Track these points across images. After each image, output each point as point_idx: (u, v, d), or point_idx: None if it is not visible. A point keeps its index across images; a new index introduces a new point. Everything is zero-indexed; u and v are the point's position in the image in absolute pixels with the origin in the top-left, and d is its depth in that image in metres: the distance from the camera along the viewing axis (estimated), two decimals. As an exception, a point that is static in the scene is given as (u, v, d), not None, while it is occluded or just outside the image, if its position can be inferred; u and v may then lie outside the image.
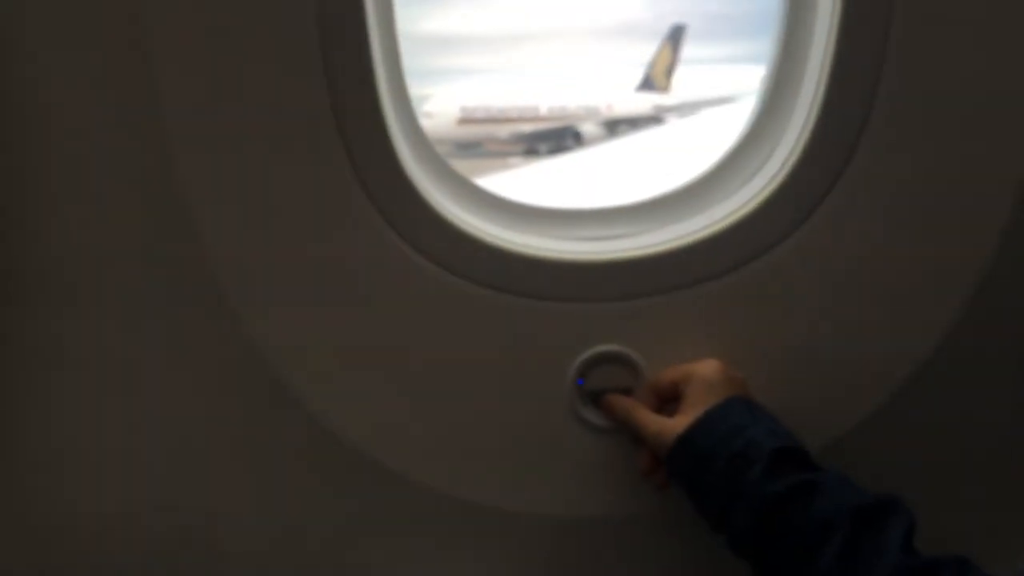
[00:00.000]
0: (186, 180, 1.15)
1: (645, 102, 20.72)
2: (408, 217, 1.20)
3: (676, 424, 1.16)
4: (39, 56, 1.12)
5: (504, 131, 18.98)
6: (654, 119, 18.67)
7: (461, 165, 1.36)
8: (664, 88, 21.48)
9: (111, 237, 1.19)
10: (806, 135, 1.22)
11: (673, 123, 17.02)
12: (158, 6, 1.09)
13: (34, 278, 1.21)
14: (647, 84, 21.98)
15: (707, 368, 1.20)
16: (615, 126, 18.98)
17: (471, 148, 17.49)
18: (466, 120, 18.87)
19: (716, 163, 1.36)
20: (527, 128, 19.35)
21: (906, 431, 1.30)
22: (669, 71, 21.51)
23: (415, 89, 1.35)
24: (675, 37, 21.66)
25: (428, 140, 1.32)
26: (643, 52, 20.77)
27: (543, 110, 19.83)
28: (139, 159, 1.15)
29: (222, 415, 1.27)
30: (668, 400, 1.23)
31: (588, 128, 18.87)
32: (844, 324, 1.28)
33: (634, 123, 18.83)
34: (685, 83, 21.09)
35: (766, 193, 1.25)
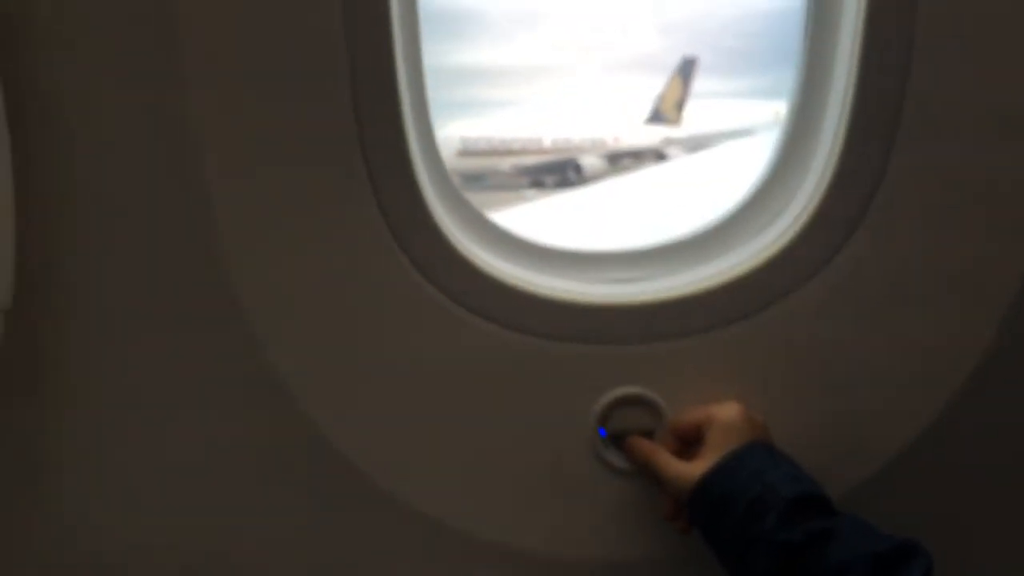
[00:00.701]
0: (221, 218, 1.23)
1: (654, 135, 20.95)
2: (432, 257, 1.29)
3: (695, 469, 1.23)
4: (80, 103, 1.21)
5: (506, 163, 19.13)
6: (658, 152, 18.86)
7: (471, 198, 1.44)
8: (674, 121, 21.73)
9: (146, 276, 1.27)
10: (827, 178, 1.29)
11: (681, 158, 17.26)
12: (196, 51, 1.18)
13: (69, 316, 1.28)
14: (656, 117, 22.23)
15: (728, 412, 1.27)
16: (618, 159, 19.17)
17: (477, 180, 17.65)
18: (467, 152, 19.03)
19: (737, 205, 1.44)
20: (529, 161, 19.52)
21: (930, 474, 1.36)
22: (679, 104, 21.79)
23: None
24: (685, 70, 21.97)
25: (451, 180, 1.40)
26: (656, 85, 21.15)
27: (547, 142, 20.06)
28: (177, 199, 1.24)
29: (247, 446, 1.34)
30: (689, 442, 1.30)
31: (590, 161, 19.03)
32: (868, 367, 1.34)
33: (638, 156, 19.03)
34: (696, 116, 21.33)
35: (788, 237, 1.32)
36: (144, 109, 1.20)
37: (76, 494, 1.35)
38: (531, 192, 15.30)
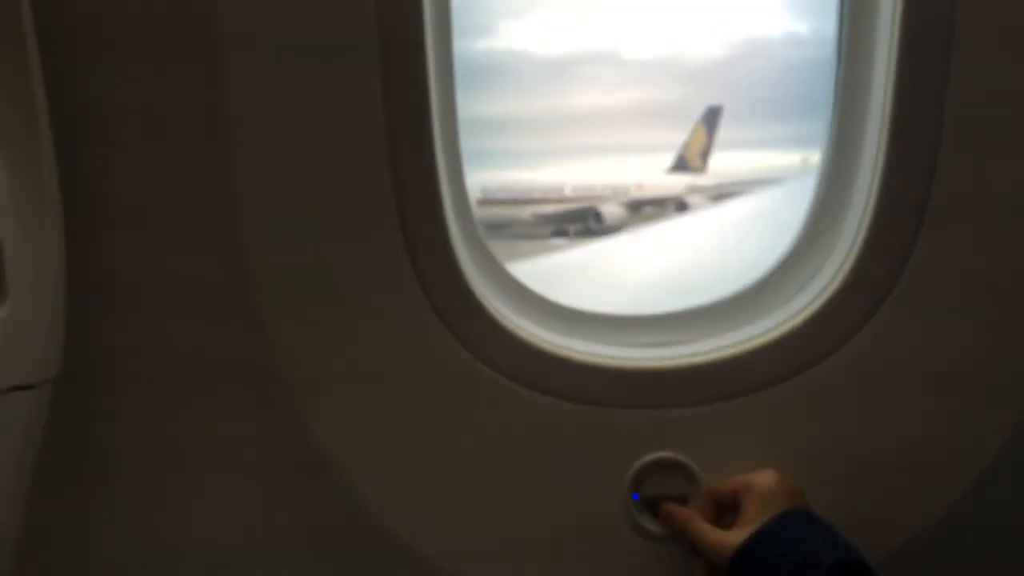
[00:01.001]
0: (260, 292, 1.28)
1: (677, 183, 21.16)
2: (468, 324, 1.32)
3: (734, 537, 1.24)
4: (127, 185, 1.27)
5: (526, 212, 19.32)
6: (679, 201, 19.07)
7: (497, 247, 1.49)
8: (700, 169, 21.95)
9: (190, 356, 1.32)
10: (860, 240, 1.32)
11: (703, 206, 17.52)
12: (239, 119, 1.24)
13: (115, 393, 1.33)
14: (680, 165, 22.44)
15: (765, 479, 1.29)
16: (639, 207, 19.39)
17: (501, 229, 17.85)
18: (487, 201, 19.22)
19: (769, 269, 1.47)
20: (550, 209, 19.73)
21: (968, 538, 1.37)
22: (704, 152, 22.02)
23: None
24: (710, 119, 22.24)
25: (486, 245, 1.45)
26: (682, 134, 21.59)
27: (568, 190, 20.29)
28: (217, 274, 1.29)
29: (285, 512, 1.37)
30: (726, 509, 1.32)
31: (610, 209, 19.25)
32: (905, 431, 1.36)
33: (660, 204, 19.22)
34: (722, 164, 21.59)
35: (820, 302, 1.35)
36: (186, 187, 1.27)
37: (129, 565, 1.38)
38: (559, 241, 15.50)
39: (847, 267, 1.33)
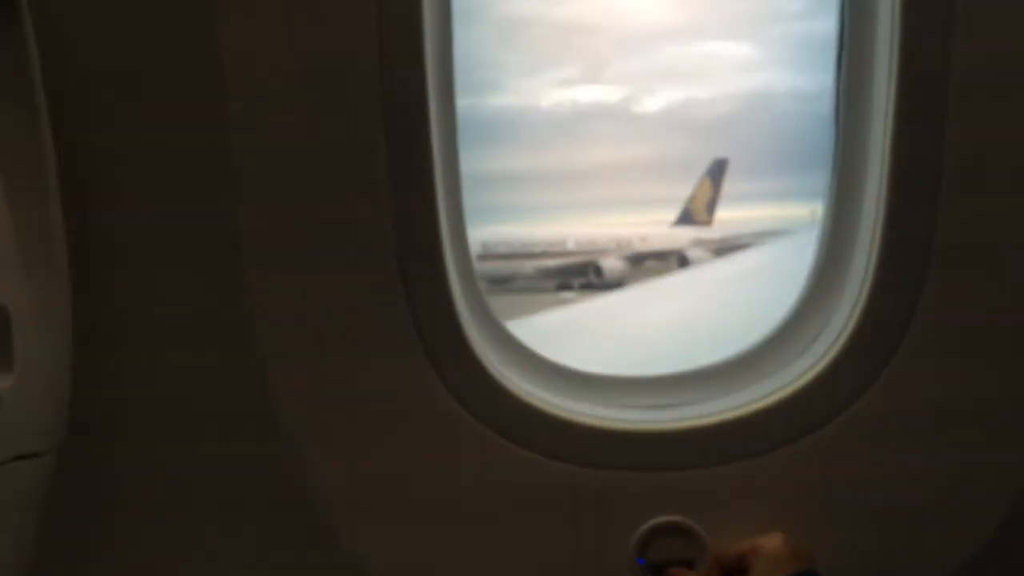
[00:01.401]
0: (260, 331, 1.32)
1: (682, 236, 21.39)
2: (471, 387, 1.36)
3: None
4: (135, 259, 1.32)
5: (528, 266, 19.47)
6: (680, 255, 19.32)
7: (503, 301, 1.52)
8: (706, 222, 22.19)
9: (193, 423, 1.36)
10: (861, 304, 1.36)
11: (706, 260, 17.89)
12: (244, 176, 1.28)
13: (119, 462, 1.37)
14: (685, 218, 22.66)
15: (773, 542, 1.30)
16: (641, 260, 19.63)
17: (505, 283, 18.01)
18: (487, 256, 19.36)
19: (772, 330, 1.50)
20: (551, 263, 19.92)
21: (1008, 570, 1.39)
22: (710, 205, 22.27)
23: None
24: (716, 171, 22.53)
25: (487, 302, 1.48)
26: (688, 187, 22.04)
27: (570, 244, 20.52)
28: (223, 334, 1.34)
29: (276, 551, 1.39)
30: (734, 574, 1.33)
31: (610, 263, 19.50)
32: (907, 496, 1.38)
33: (662, 257, 19.45)
34: (729, 217, 21.92)
35: (823, 363, 1.38)
36: (191, 234, 1.31)
37: None
38: (569, 295, 15.71)
39: (850, 327, 1.37)
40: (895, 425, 1.36)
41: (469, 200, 1.44)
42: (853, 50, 1.38)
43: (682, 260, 18.89)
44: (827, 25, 1.43)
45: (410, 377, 1.33)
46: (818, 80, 1.46)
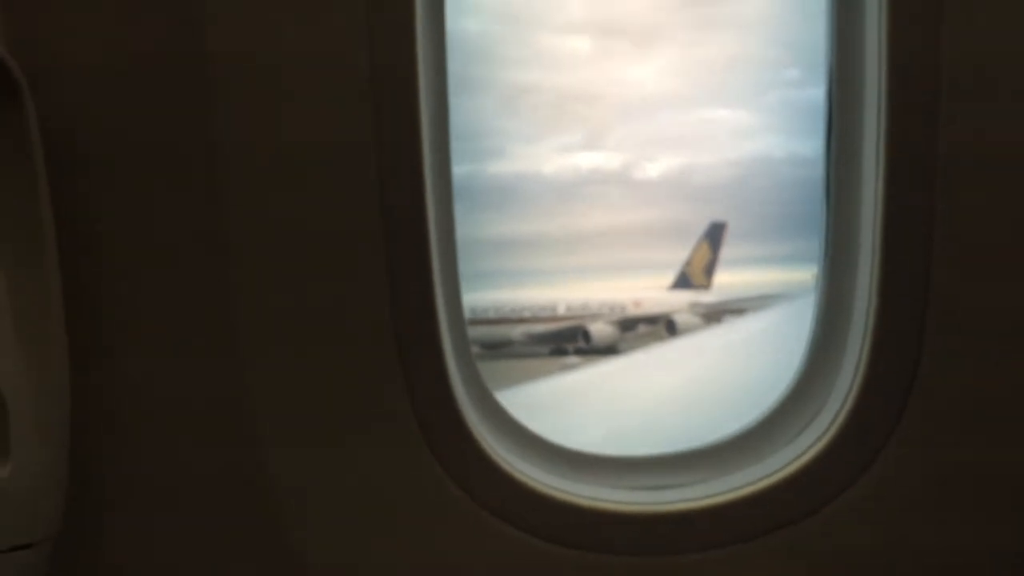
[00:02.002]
0: (252, 400, 1.38)
1: (678, 300, 21.67)
2: (467, 466, 1.40)
3: None
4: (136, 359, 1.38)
5: (517, 331, 19.59)
6: (668, 321, 19.70)
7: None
8: (704, 286, 22.46)
9: (185, 489, 1.41)
10: (859, 381, 1.41)
11: (695, 325, 18.38)
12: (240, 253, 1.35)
13: (112, 545, 1.43)
14: (682, 282, 22.89)
15: None
16: (631, 325, 19.95)
17: (499, 348, 18.12)
18: (475, 321, 19.46)
19: (770, 409, 1.56)
20: (540, 328, 20.12)
21: None
22: (708, 269, 22.55)
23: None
24: (714, 234, 22.84)
25: (486, 384, 1.53)
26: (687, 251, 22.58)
27: (561, 308, 20.78)
28: (217, 419, 1.39)
29: None
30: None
31: (598, 328, 19.87)
32: (922, 553, 1.42)
33: (652, 322, 19.81)
34: (729, 281, 22.27)
35: (822, 443, 1.42)
36: (187, 314, 1.37)
37: None
38: (573, 359, 15.93)
39: (848, 406, 1.42)
40: (901, 499, 1.41)
41: (468, 266, 1.51)
42: (841, 120, 1.46)
43: (670, 326, 19.33)
44: (823, 93, 1.50)
45: (406, 459, 1.38)
46: (815, 146, 1.53)
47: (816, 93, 1.53)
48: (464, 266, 1.49)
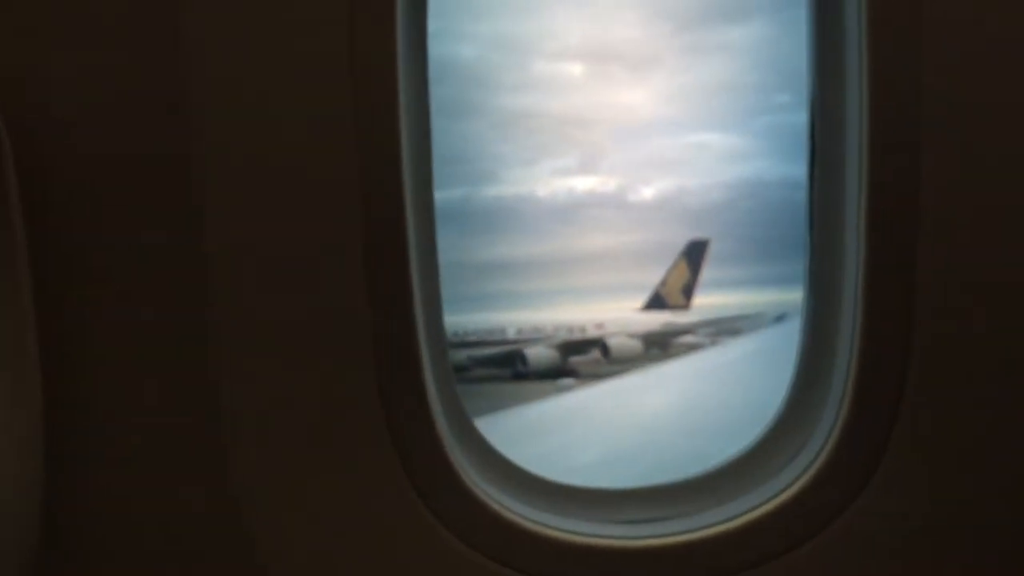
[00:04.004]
0: (228, 424, 1.49)
1: (649, 321, 22.25)
2: (448, 500, 1.51)
3: None
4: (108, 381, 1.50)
5: (460, 355, 19.94)
6: (603, 343, 20.90)
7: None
8: (682, 306, 22.95)
9: (166, 540, 1.53)
10: (844, 413, 1.53)
11: (629, 346, 19.89)
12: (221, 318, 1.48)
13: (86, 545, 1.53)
14: (656, 303, 23.28)
15: None
16: (577, 347, 21.12)
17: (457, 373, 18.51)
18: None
19: (753, 443, 1.67)
20: (483, 352, 20.66)
21: None
22: (687, 289, 22.97)
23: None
24: (694, 253, 23.21)
25: (471, 420, 1.65)
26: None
27: (510, 332, 21.31)
28: (198, 464, 1.50)
29: None
30: None
31: (537, 351, 20.92)
32: None
33: (591, 345, 21.22)
34: (717, 302, 23.01)
35: (803, 481, 1.55)
36: (175, 400, 1.49)
37: None
38: (568, 381, 16.49)
39: (833, 438, 1.55)
40: (886, 531, 1.54)
41: (463, 289, 1.63)
42: (823, 147, 1.59)
43: (603, 349, 20.84)
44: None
45: (384, 486, 1.50)
46: (805, 170, 1.66)
47: (805, 118, 1.66)
48: (458, 289, 1.58)
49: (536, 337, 21.34)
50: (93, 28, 1.44)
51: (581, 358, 20.99)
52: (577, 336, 21.51)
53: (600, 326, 21.77)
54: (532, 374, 19.73)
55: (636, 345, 21.22)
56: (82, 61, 1.44)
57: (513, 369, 20.30)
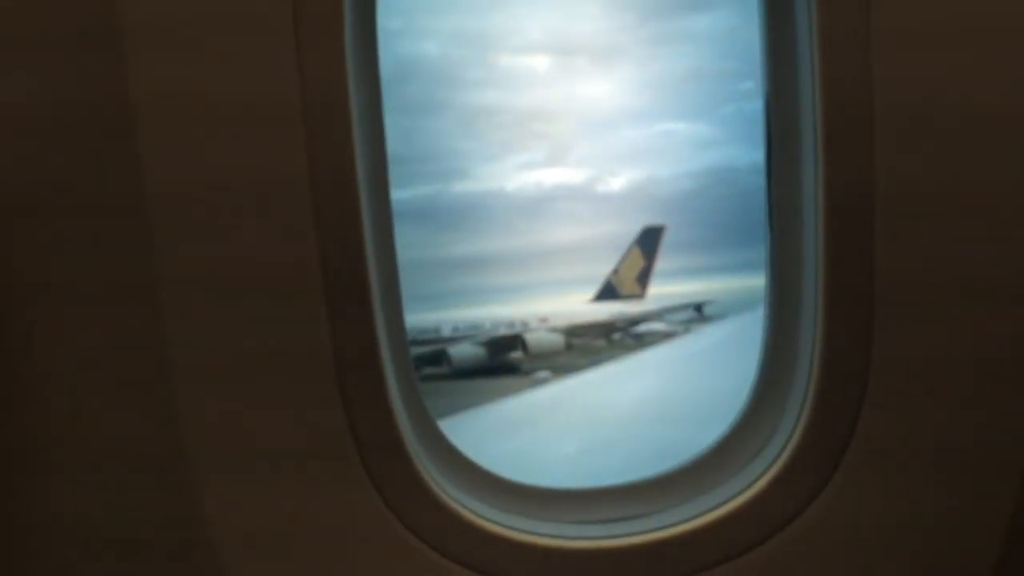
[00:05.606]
0: (187, 439, 1.58)
1: (598, 311, 22.56)
2: (415, 506, 1.62)
3: None
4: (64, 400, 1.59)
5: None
6: (520, 338, 21.58)
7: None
8: (636, 295, 23.22)
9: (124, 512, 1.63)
10: (807, 411, 1.66)
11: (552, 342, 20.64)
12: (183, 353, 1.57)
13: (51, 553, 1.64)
14: (608, 292, 23.51)
15: None
16: (507, 343, 21.85)
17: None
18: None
19: (716, 442, 1.80)
20: (415, 351, 20.85)
21: None
22: (642, 277, 23.21)
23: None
24: (648, 240, 23.42)
25: (436, 424, 1.76)
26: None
27: (445, 331, 21.57)
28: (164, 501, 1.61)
29: None
30: None
31: (461, 348, 21.50)
32: None
33: (510, 341, 21.81)
34: (677, 290, 23.42)
35: (768, 477, 1.67)
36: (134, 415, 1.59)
37: None
38: (544, 374, 16.86)
39: (795, 437, 1.67)
40: (847, 530, 1.66)
41: (430, 287, 1.74)
42: (779, 136, 1.71)
43: (523, 344, 21.59)
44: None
45: (347, 491, 1.60)
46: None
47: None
48: (424, 287, 1.68)
49: (470, 335, 21.66)
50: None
51: (505, 356, 21.63)
52: (497, 333, 21.99)
53: (544, 320, 22.07)
54: (457, 373, 20.27)
55: (556, 340, 21.97)
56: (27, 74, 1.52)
57: (439, 366, 20.66)
